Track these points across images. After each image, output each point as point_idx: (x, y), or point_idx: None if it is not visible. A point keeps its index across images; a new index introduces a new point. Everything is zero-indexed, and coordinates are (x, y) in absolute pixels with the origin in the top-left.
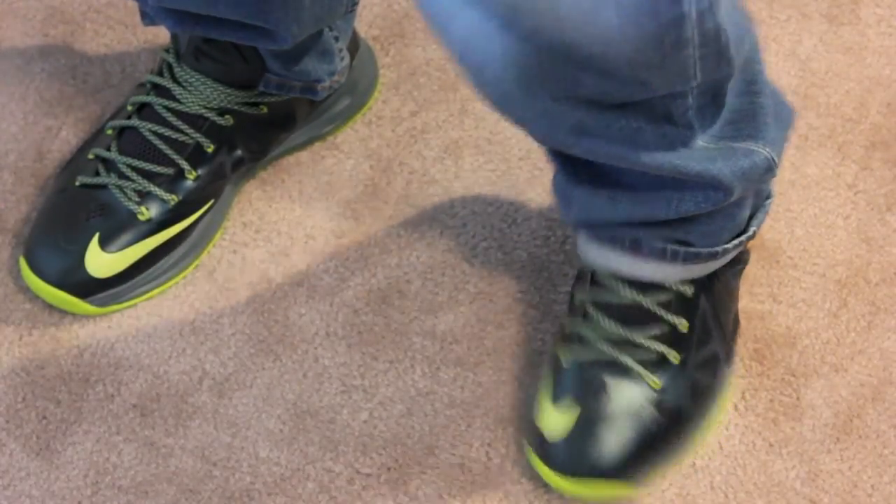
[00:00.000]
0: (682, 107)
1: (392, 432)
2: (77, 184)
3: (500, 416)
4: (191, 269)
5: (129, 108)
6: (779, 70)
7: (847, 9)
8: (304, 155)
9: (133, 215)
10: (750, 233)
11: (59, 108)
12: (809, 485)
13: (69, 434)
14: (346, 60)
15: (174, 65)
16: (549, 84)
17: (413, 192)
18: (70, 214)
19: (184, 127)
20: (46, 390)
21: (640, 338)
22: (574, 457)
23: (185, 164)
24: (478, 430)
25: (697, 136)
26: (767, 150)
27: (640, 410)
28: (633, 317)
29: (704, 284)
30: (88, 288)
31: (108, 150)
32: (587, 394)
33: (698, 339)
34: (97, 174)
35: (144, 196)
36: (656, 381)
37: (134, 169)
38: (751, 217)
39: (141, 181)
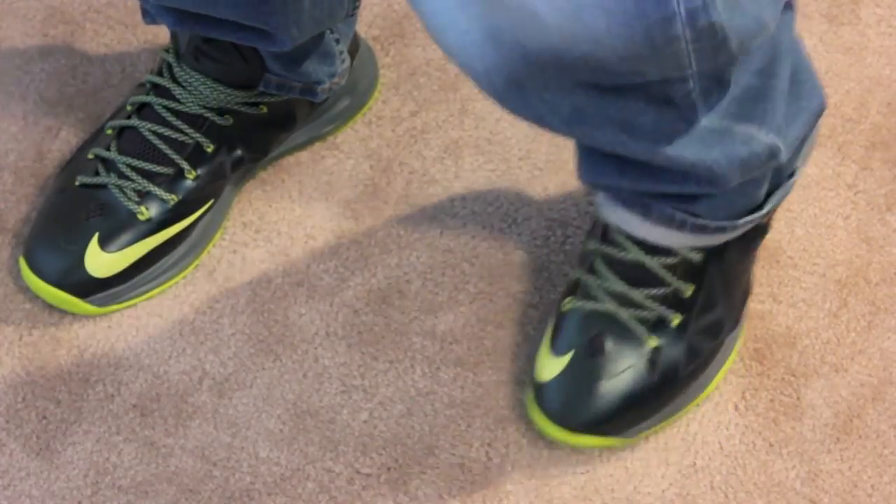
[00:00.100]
0: (683, 90)
1: (392, 432)
2: (77, 183)
3: (500, 416)
4: (191, 269)
5: (129, 107)
6: None
7: (847, 9)
8: (304, 155)
9: (133, 215)
10: (764, 211)
11: (59, 108)
12: (809, 485)
13: (69, 434)
14: (347, 63)
15: (174, 65)
16: (541, 82)
17: (413, 192)
18: (70, 214)
19: (183, 127)
20: (46, 390)
21: (641, 296)
22: (564, 401)
23: (184, 164)
24: (478, 430)
25: (700, 115)
26: (770, 136)
27: (633, 366)
28: (637, 276)
29: (715, 252)
30: (88, 288)
31: (108, 149)
32: (583, 343)
33: (702, 305)
34: (97, 174)
35: (144, 196)
36: (653, 339)
37: (133, 169)
38: (769, 194)
39: (140, 181)
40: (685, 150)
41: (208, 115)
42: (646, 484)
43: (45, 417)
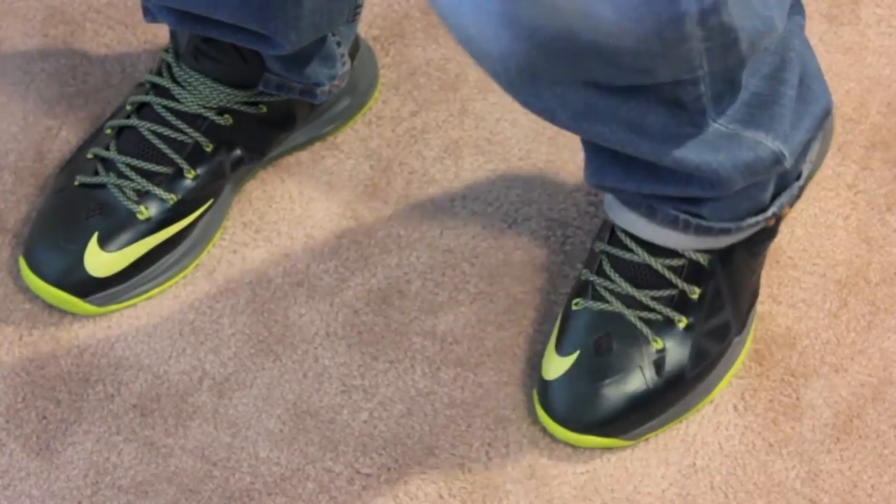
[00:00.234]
0: (694, 93)
1: (392, 432)
2: (76, 183)
3: (500, 417)
4: (191, 268)
5: (128, 107)
6: None
7: (847, 9)
8: (304, 155)
9: (132, 214)
10: (769, 213)
11: (59, 108)
12: (809, 485)
13: (69, 434)
14: (348, 66)
15: (173, 65)
16: (551, 72)
17: (413, 192)
18: (69, 214)
19: (183, 126)
20: (46, 390)
21: (647, 298)
22: (568, 401)
23: (183, 164)
24: (478, 430)
25: (710, 119)
26: (776, 143)
27: (638, 367)
28: (644, 277)
29: (722, 255)
30: (88, 287)
31: (107, 149)
32: (589, 343)
33: (709, 307)
34: (96, 173)
35: (143, 195)
36: (659, 341)
37: (133, 168)
38: (775, 197)
39: (140, 180)
40: (691, 152)
41: (208, 114)
42: (646, 484)
43: (45, 417)
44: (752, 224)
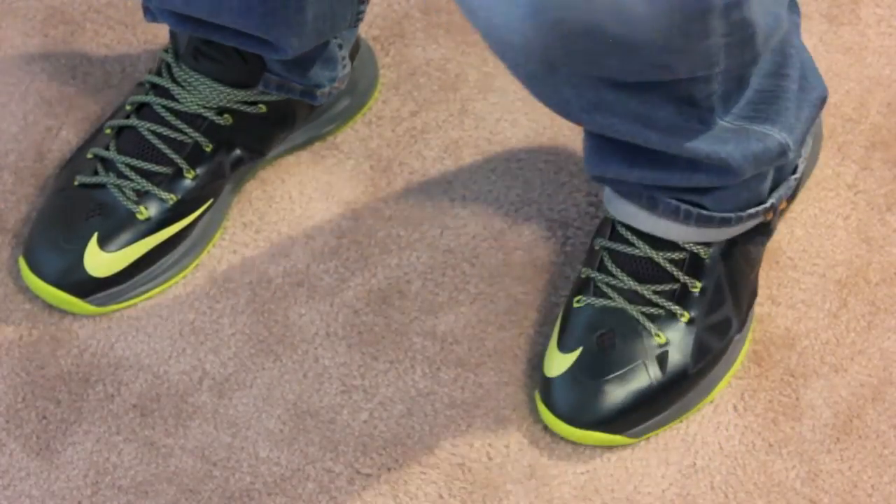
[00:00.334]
0: (706, 91)
1: (392, 432)
2: (76, 183)
3: (500, 417)
4: (191, 268)
5: (128, 107)
6: None
7: (847, 9)
8: (304, 155)
9: (132, 214)
10: (768, 204)
11: (59, 108)
12: (809, 485)
13: (69, 434)
14: (348, 68)
15: (173, 65)
16: (572, 64)
17: (413, 192)
18: (69, 214)
19: (182, 126)
20: (46, 390)
21: (649, 292)
22: (571, 398)
23: (183, 164)
24: (478, 430)
25: (718, 116)
26: (783, 134)
27: (641, 362)
28: (646, 271)
29: (723, 249)
30: (88, 287)
31: (107, 149)
32: (591, 339)
33: (710, 302)
34: (96, 173)
35: (143, 195)
36: (661, 335)
37: (132, 168)
38: (773, 189)
39: (139, 180)
40: (701, 143)
41: (207, 114)
42: (646, 484)
43: (45, 417)
44: (752, 215)
